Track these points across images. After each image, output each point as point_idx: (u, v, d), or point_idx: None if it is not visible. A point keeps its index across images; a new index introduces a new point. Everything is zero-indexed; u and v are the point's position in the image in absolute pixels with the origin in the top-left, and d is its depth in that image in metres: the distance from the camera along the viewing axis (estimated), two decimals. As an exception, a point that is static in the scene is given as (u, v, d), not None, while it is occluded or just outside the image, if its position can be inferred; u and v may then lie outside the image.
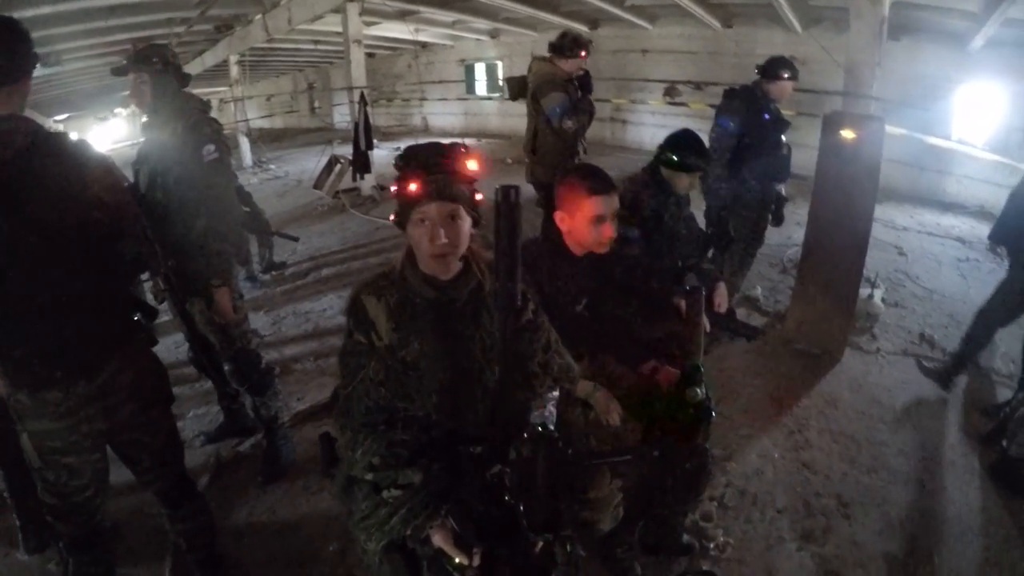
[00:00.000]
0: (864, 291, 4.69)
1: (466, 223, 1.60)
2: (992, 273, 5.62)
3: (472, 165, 1.59)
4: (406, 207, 1.58)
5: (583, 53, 4.67)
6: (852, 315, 4.43)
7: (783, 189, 4.69)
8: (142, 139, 3.04)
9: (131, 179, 2.90)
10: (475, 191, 1.61)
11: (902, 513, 2.97)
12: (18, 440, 2.05)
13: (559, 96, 4.62)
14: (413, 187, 1.54)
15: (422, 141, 1.79)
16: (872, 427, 3.61)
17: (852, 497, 3.06)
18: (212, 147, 2.92)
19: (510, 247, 1.18)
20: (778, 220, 4.76)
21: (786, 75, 4.35)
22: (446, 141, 1.66)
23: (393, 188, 1.61)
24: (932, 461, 3.33)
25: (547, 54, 4.76)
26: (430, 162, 1.56)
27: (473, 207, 1.61)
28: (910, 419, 3.70)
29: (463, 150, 1.59)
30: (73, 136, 2.04)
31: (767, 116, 4.37)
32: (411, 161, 1.57)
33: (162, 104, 2.94)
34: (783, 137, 4.49)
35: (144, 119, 3.04)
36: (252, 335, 3.33)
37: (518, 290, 1.23)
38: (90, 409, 2.01)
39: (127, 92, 3.03)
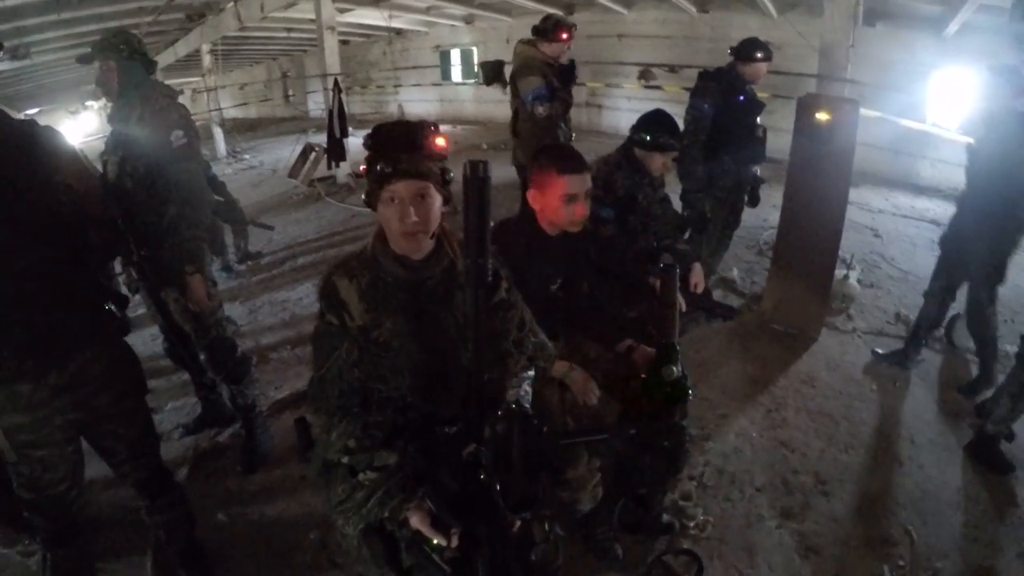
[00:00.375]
0: (840, 272, 4.71)
1: (436, 201, 1.58)
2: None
3: (440, 142, 1.57)
4: (375, 186, 1.56)
5: (564, 35, 4.63)
6: (828, 296, 4.44)
7: (759, 171, 4.69)
8: (104, 132, 3.01)
9: (100, 169, 2.85)
10: (445, 169, 1.59)
11: (880, 490, 3.00)
12: None
13: (535, 80, 4.59)
14: (381, 165, 1.52)
15: None
16: (849, 405, 3.64)
17: (830, 475, 3.08)
18: (180, 132, 2.88)
19: (480, 222, 1.17)
20: (754, 201, 4.76)
21: (759, 56, 4.34)
22: (414, 120, 1.63)
23: (362, 167, 1.59)
24: (909, 439, 3.36)
25: (531, 37, 4.73)
26: (398, 140, 1.53)
27: (443, 185, 1.59)
28: (887, 397, 3.73)
29: (432, 128, 1.57)
30: (40, 123, 2.00)
31: (742, 98, 4.36)
32: (380, 139, 1.55)
33: (129, 91, 2.90)
34: (759, 119, 4.49)
35: (110, 108, 3.00)
36: (227, 323, 3.30)
37: (488, 265, 1.22)
38: (62, 400, 1.98)
39: (93, 82, 2.98)
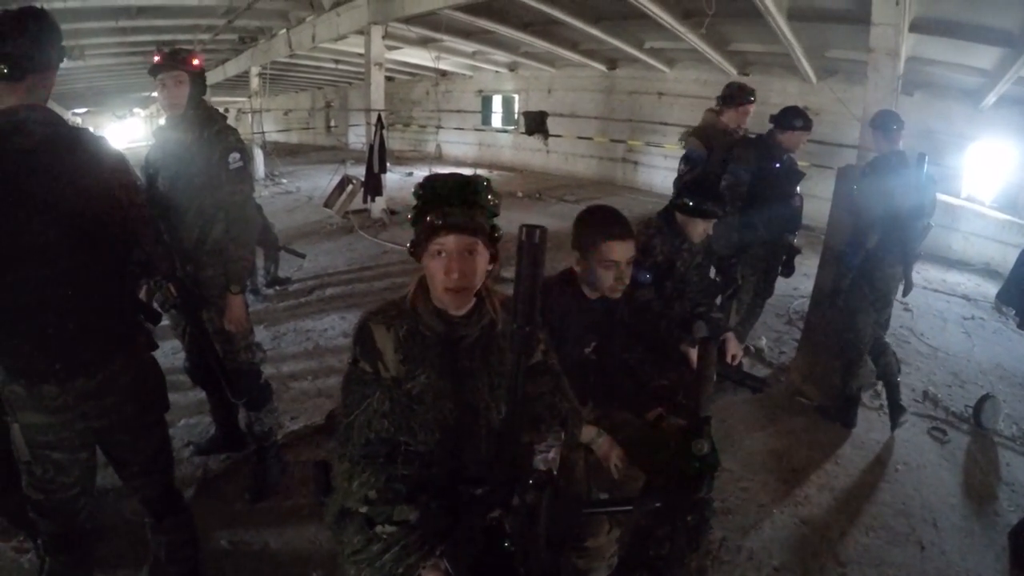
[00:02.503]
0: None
1: (483, 258, 1.57)
2: (997, 332, 5.59)
3: (493, 199, 1.56)
4: (423, 237, 1.55)
5: (740, 104, 4.62)
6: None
7: (795, 240, 4.67)
8: (154, 141, 3.04)
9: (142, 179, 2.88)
10: (495, 226, 1.58)
11: (900, 574, 2.91)
12: (5, 432, 2.04)
13: (693, 141, 4.64)
14: (432, 217, 1.51)
15: (436, 168, 1.77)
16: (873, 485, 3.56)
17: (850, 556, 3.00)
18: (237, 155, 2.93)
19: (531, 288, 1.16)
20: (788, 271, 4.72)
21: (799, 124, 4.35)
22: (467, 172, 1.63)
23: (410, 216, 1.58)
24: (932, 522, 3.27)
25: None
26: (451, 193, 1.52)
27: (492, 242, 1.58)
28: (911, 478, 3.64)
29: (485, 184, 1.56)
30: (92, 131, 2.04)
31: (778, 165, 4.37)
32: (432, 190, 1.54)
33: (192, 107, 2.93)
34: (797, 188, 4.48)
35: (163, 121, 3.03)
36: (257, 348, 3.30)
37: (536, 333, 1.21)
38: (85, 406, 2.00)
39: (157, 92, 2.97)
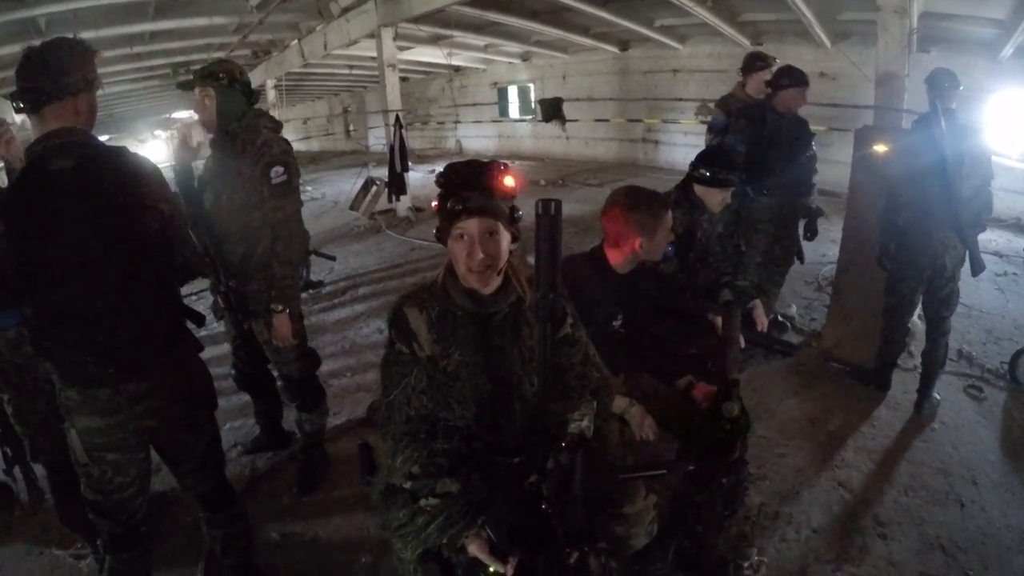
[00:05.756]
0: (901, 308, 4.63)
1: (505, 239, 1.64)
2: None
3: (510, 182, 1.62)
4: (446, 223, 1.62)
5: (754, 71, 4.62)
6: (889, 333, 4.35)
7: (814, 202, 4.59)
8: (207, 157, 3.00)
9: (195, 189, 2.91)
10: (514, 207, 1.64)
11: (941, 533, 2.90)
12: (63, 439, 2.15)
13: (716, 111, 4.67)
14: (452, 203, 1.58)
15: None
16: (909, 445, 3.54)
17: (889, 517, 3.00)
18: (280, 169, 2.83)
19: (551, 258, 1.21)
20: (812, 233, 4.65)
21: (785, 83, 4.23)
22: (485, 159, 1.70)
23: (434, 204, 1.66)
24: (971, 480, 3.25)
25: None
26: (470, 179, 1.60)
27: (512, 223, 1.64)
28: (948, 436, 3.62)
29: (502, 167, 1.63)
30: (128, 148, 2.14)
31: (765, 131, 4.27)
32: (451, 177, 1.62)
33: (228, 121, 2.87)
34: (812, 148, 4.41)
35: (210, 136, 2.96)
36: (310, 357, 3.28)
37: (559, 301, 1.26)
38: (138, 408, 2.10)
39: (192, 108, 2.99)
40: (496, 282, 1.69)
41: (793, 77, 4.25)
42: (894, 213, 3.75)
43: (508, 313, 1.73)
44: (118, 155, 2.05)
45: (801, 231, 4.68)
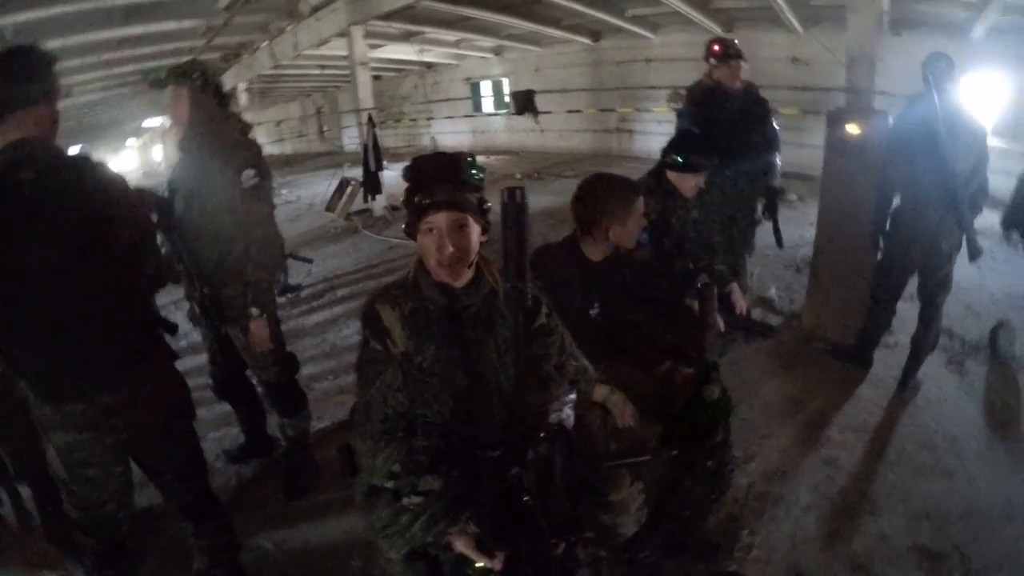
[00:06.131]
0: (880, 285, 4.65)
1: (474, 231, 1.63)
2: (1008, 262, 5.57)
3: (478, 174, 1.61)
4: (414, 217, 1.61)
5: (716, 49, 4.17)
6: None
7: (776, 183, 4.35)
8: (176, 159, 2.95)
9: (159, 195, 2.85)
10: (482, 199, 1.63)
11: (929, 505, 2.93)
12: (45, 457, 2.10)
13: (684, 99, 4.44)
14: (419, 197, 1.57)
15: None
16: (894, 421, 3.57)
17: (877, 492, 3.03)
18: (252, 171, 2.79)
19: (518, 247, 1.20)
20: (770, 212, 4.40)
21: (713, 61, 4.09)
22: (451, 151, 1.68)
23: (402, 199, 1.64)
24: (956, 453, 3.28)
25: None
26: (436, 172, 1.58)
27: (480, 215, 1.63)
28: (931, 411, 3.65)
29: (469, 159, 1.61)
30: (92, 158, 2.10)
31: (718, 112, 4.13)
32: (418, 172, 1.60)
33: (200, 123, 2.82)
34: (773, 127, 4.26)
35: (180, 137, 2.91)
36: (289, 362, 3.25)
37: (528, 289, 1.25)
38: (113, 421, 2.05)
39: (165, 106, 2.91)
40: (468, 275, 1.68)
41: (723, 47, 4.12)
42: (889, 190, 3.75)
43: (482, 306, 1.71)
44: (82, 165, 2.02)
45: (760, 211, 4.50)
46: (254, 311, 2.85)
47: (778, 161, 4.33)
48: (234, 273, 2.84)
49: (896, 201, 3.75)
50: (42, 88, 1.95)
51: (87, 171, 2.01)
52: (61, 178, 1.92)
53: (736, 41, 4.22)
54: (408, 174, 1.62)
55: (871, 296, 4.01)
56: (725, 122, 4.08)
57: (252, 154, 2.87)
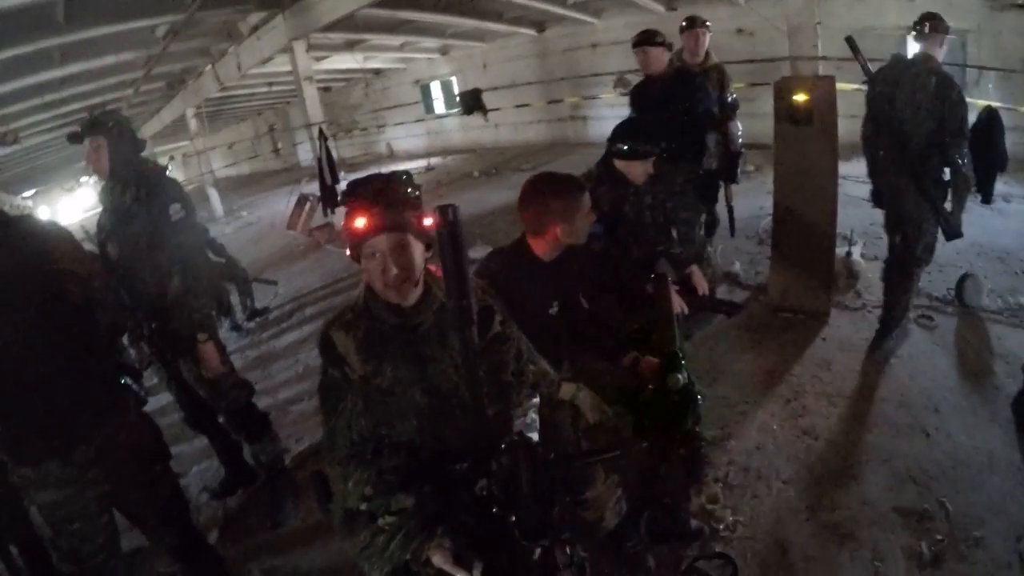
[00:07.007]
0: (842, 249, 4.71)
1: (417, 249, 1.62)
2: (967, 212, 5.66)
3: (414, 192, 1.60)
4: (356, 242, 1.59)
5: (646, 40, 4.16)
6: (832, 275, 4.43)
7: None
8: (100, 207, 3.02)
9: (96, 250, 2.89)
10: (421, 216, 1.61)
11: (910, 465, 2.94)
12: (27, 519, 2.19)
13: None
14: (359, 222, 1.55)
15: (385, 168, 1.82)
16: (868, 384, 3.59)
17: (857, 457, 3.04)
18: (178, 206, 2.89)
19: (456, 265, 1.19)
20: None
21: (634, 42, 4.16)
22: (387, 171, 1.67)
23: (341, 224, 1.62)
24: (933, 408, 3.31)
25: None
26: (373, 195, 1.57)
27: (421, 232, 1.62)
28: (905, 369, 3.67)
29: (404, 177, 1.60)
30: (37, 215, 2.08)
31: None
32: (354, 196, 1.59)
33: (121, 168, 2.90)
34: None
35: (101, 185, 3.00)
36: (243, 386, 3.29)
37: (473, 306, 1.24)
38: (91, 474, 2.07)
39: (83, 160, 3.00)
40: (416, 293, 1.67)
41: (641, 35, 4.17)
42: (867, 152, 3.80)
43: (434, 322, 1.70)
44: (25, 227, 2.03)
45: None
46: (201, 336, 2.93)
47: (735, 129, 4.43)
48: (176, 306, 2.90)
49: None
50: None
51: (33, 230, 2.02)
52: (9, 241, 1.92)
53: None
54: (344, 199, 1.60)
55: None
56: (649, 105, 4.15)
57: (175, 190, 2.98)
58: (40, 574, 2.67)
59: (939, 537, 2.55)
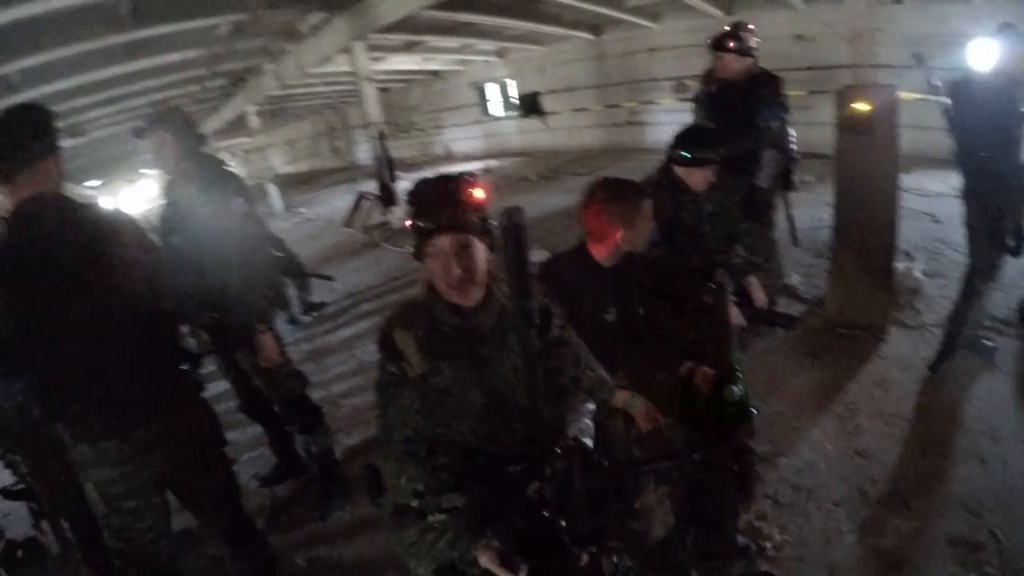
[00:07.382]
0: (901, 265, 4.59)
1: (480, 251, 1.63)
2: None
3: (479, 193, 1.62)
4: (419, 241, 1.62)
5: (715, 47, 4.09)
6: (892, 291, 4.32)
7: (762, 180, 4.11)
8: (164, 201, 3.10)
9: (160, 241, 2.97)
10: (485, 218, 1.63)
11: (964, 492, 2.84)
12: (80, 494, 2.25)
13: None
14: (423, 222, 1.58)
15: (444, 169, 1.84)
16: (925, 405, 3.48)
17: (909, 481, 2.95)
18: (240, 200, 2.96)
19: (519, 267, 1.19)
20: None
21: (713, 47, 4.04)
22: (453, 172, 1.69)
23: (407, 223, 1.65)
24: (990, 435, 3.18)
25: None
26: (437, 196, 1.60)
27: (485, 234, 1.63)
28: (963, 392, 3.54)
29: (469, 179, 1.62)
30: (103, 204, 2.16)
31: (696, 96, 4.18)
32: (420, 196, 1.62)
33: (186, 162, 2.96)
34: (769, 118, 4.08)
35: (167, 180, 3.08)
36: (298, 377, 3.35)
37: (534, 308, 1.25)
38: (148, 455, 2.13)
39: (148, 154, 3.05)
40: (478, 294, 1.69)
41: (716, 40, 4.05)
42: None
43: (495, 323, 1.72)
44: (95, 213, 2.10)
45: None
46: (260, 327, 3.00)
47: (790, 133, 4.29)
48: (236, 297, 2.96)
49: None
50: (47, 143, 2.01)
51: (100, 219, 2.08)
52: (78, 230, 1.99)
53: (737, 31, 4.07)
54: (409, 199, 1.63)
55: None
56: (715, 114, 4.07)
57: (237, 184, 3.03)
58: (90, 548, 2.81)
59: (990, 570, 2.46)
